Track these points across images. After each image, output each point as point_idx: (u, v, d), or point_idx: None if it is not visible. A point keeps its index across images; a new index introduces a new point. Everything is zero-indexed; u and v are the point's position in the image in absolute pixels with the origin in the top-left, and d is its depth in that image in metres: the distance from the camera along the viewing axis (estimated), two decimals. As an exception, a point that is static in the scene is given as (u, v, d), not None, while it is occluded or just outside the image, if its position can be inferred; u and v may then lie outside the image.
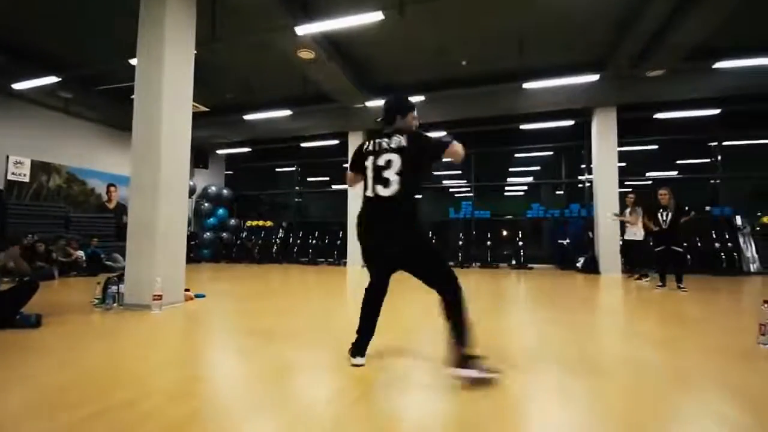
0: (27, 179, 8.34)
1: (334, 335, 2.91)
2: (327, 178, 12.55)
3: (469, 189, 11.04)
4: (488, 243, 9.96)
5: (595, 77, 6.81)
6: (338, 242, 10.83)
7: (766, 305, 2.80)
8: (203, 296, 4.80)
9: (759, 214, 8.59)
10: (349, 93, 7.89)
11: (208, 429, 1.53)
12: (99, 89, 8.63)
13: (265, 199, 13.71)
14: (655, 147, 9.80)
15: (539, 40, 6.60)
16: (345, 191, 10.65)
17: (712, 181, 9.34)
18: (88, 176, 9.59)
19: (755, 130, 8.98)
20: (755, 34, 6.13)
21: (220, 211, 12.36)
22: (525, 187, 11.10)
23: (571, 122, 8.99)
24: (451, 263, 10.00)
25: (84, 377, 2.07)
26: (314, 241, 11.21)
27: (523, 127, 9.35)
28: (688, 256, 8.27)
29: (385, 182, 2.14)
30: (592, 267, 8.34)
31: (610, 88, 7.66)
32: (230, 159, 13.39)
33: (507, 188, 11.22)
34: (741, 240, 8.58)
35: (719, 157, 9.22)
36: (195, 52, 4.69)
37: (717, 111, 8.15)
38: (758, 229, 8.52)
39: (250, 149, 11.96)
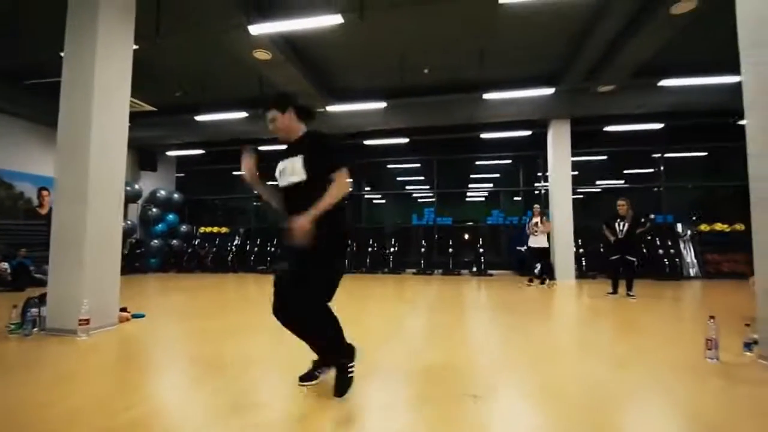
0: (-61, 182, 7.35)
1: (294, 359, 2.67)
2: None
3: (431, 195, 11.08)
4: (450, 250, 10.00)
5: (550, 91, 7.01)
6: (298, 250, 10.47)
7: (711, 320, 2.88)
8: (143, 316, 4.35)
9: (694, 218, 9.24)
10: (306, 96, 7.61)
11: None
12: (28, 83, 7.79)
13: (219, 204, 13.05)
14: (605, 157, 10.32)
15: (498, 53, 6.70)
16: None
17: (655, 190, 9.95)
18: (17, 179, 8.62)
19: (694, 143, 9.67)
20: (695, 55, 6.55)
21: (170, 216, 11.58)
22: (485, 194, 11.31)
23: (528, 132, 9.24)
24: (414, 270, 10.03)
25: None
26: (273, 249, 10.77)
27: (483, 136, 9.50)
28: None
29: None
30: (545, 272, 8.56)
31: (565, 102, 7.93)
32: (182, 161, 12.61)
33: (468, 195, 11.37)
34: (681, 246, 9.19)
35: (662, 168, 9.85)
36: (136, 46, 4.28)
37: (661, 126, 8.68)
38: (696, 235, 9.13)
39: (204, 151, 11.32)
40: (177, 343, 3.39)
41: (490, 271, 9.70)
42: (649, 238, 8.99)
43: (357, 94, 8.06)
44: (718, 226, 9.04)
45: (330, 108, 7.71)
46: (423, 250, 10.09)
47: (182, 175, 12.79)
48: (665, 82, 6.44)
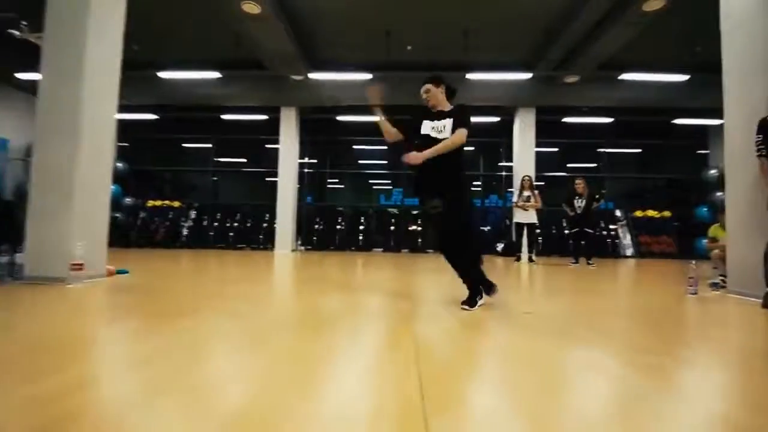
0: None
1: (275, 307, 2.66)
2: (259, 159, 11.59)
3: (390, 177, 11.30)
4: (418, 229, 10.28)
5: (527, 75, 7.48)
6: (264, 225, 10.08)
7: (693, 263, 3.37)
8: (126, 272, 3.98)
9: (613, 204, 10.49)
10: (289, 60, 7.31)
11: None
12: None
13: (168, 178, 12.08)
14: (556, 149, 11.22)
15: (478, 37, 6.98)
16: (272, 173, 9.97)
17: (599, 179, 11.05)
18: None
19: (632, 140, 10.92)
20: (649, 55, 7.37)
21: (112, 187, 10.48)
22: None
23: (497, 119, 9.76)
24: (381, 249, 10.16)
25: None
26: (235, 224, 10.24)
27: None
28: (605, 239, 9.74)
29: None
30: (510, 251, 9.16)
31: (533, 91, 8.51)
32: (126, 127, 11.40)
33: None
34: (619, 229, 10.35)
35: (604, 161, 10.98)
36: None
37: (610, 120, 9.67)
38: (632, 220, 10.34)
39: (157, 117, 10.38)
40: (175, 295, 3.17)
41: (455, 250, 10.12)
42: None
43: (339, 65, 7.90)
44: (650, 213, 10.32)
45: (312, 75, 7.49)
46: (392, 228, 10.24)
47: (125, 144, 11.58)
48: (624, 76, 7.21)
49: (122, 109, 10.21)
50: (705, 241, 4.98)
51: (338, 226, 10.23)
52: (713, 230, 4.73)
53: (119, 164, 10.73)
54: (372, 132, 10.43)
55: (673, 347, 1.78)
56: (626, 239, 10.16)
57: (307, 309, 2.56)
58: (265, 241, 9.96)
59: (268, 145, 10.85)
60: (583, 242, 6.77)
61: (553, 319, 2.33)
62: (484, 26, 6.69)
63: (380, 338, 1.85)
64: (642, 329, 2.15)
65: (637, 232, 10.20)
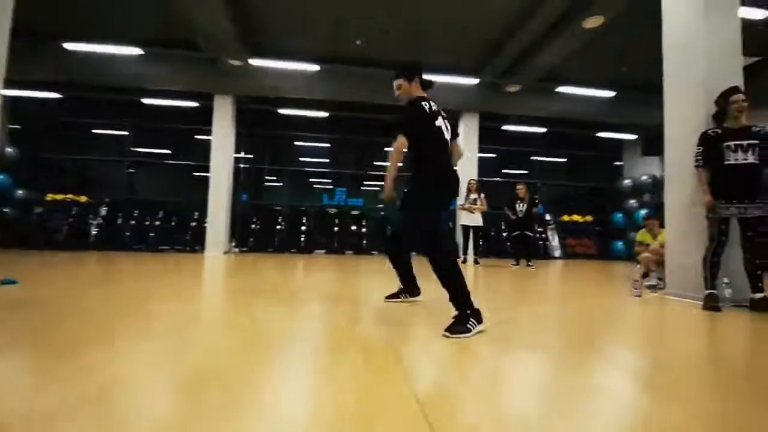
0: None
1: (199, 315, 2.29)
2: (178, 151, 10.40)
3: (333, 176, 10.96)
4: (363, 230, 10.02)
5: (474, 81, 7.61)
6: (193, 225, 9.09)
7: (637, 266, 3.56)
8: (14, 282, 3.19)
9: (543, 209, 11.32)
10: (227, 42, 6.60)
11: None
12: None
13: (70, 167, 10.40)
14: (494, 155, 11.72)
15: (429, 39, 6.95)
16: (202, 167, 9.05)
17: (531, 185, 11.73)
18: None
19: (561, 150, 11.76)
20: (589, 69, 7.86)
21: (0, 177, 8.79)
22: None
23: (441, 122, 9.85)
24: (323, 251, 9.73)
25: None
26: (157, 223, 9.11)
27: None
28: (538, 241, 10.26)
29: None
30: (455, 253, 9.31)
31: (478, 97, 8.72)
32: (21, 106, 9.61)
33: (374, 180, 11.55)
34: (549, 233, 11.07)
35: (537, 168, 11.70)
36: None
37: (544, 130, 10.28)
38: (559, 223, 11.13)
39: (60, 96, 8.87)
40: (86, 314, 2.57)
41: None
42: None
43: (285, 53, 7.32)
44: (575, 217, 11.18)
45: (253, 61, 6.85)
46: (336, 229, 9.86)
47: (18, 126, 9.74)
48: (560, 89, 7.67)
49: (12, 84, 8.67)
50: (620, 244, 5.35)
51: (278, 227, 9.60)
52: (641, 235, 5.12)
53: (8, 150, 9.04)
54: (315, 128, 10.06)
55: (650, 352, 1.74)
56: (554, 241, 10.90)
57: (250, 326, 2.16)
58: (194, 242, 8.99)
59: (198, 136, 9.88)
60: (522, 244, 7.06)
61: (526, 328, 2.24)
62: (435, 28, 6.65)
63: (364, 382, 1.55)
64: (614, 336, 2.13)
65: (564, 234, 11.01)
